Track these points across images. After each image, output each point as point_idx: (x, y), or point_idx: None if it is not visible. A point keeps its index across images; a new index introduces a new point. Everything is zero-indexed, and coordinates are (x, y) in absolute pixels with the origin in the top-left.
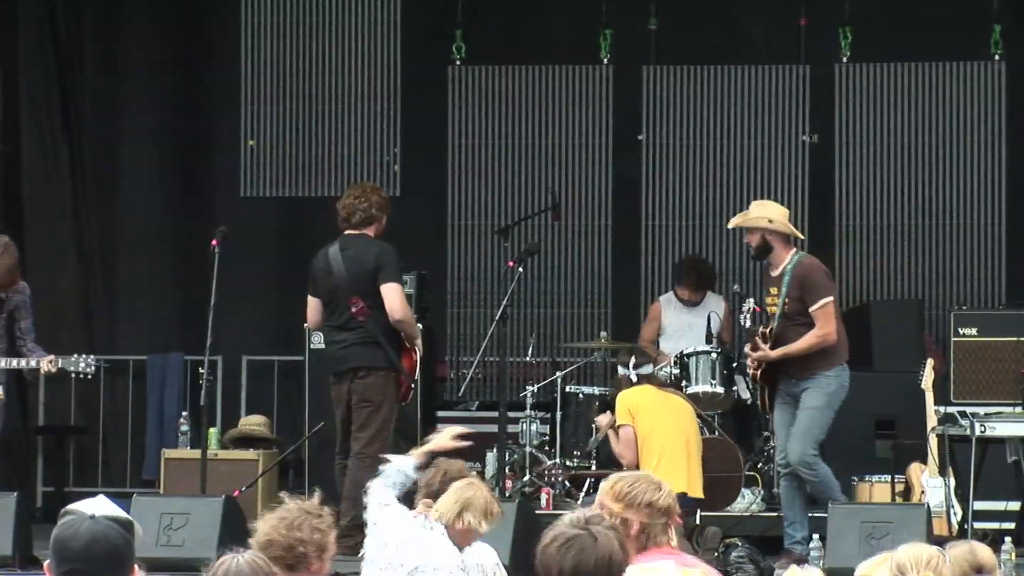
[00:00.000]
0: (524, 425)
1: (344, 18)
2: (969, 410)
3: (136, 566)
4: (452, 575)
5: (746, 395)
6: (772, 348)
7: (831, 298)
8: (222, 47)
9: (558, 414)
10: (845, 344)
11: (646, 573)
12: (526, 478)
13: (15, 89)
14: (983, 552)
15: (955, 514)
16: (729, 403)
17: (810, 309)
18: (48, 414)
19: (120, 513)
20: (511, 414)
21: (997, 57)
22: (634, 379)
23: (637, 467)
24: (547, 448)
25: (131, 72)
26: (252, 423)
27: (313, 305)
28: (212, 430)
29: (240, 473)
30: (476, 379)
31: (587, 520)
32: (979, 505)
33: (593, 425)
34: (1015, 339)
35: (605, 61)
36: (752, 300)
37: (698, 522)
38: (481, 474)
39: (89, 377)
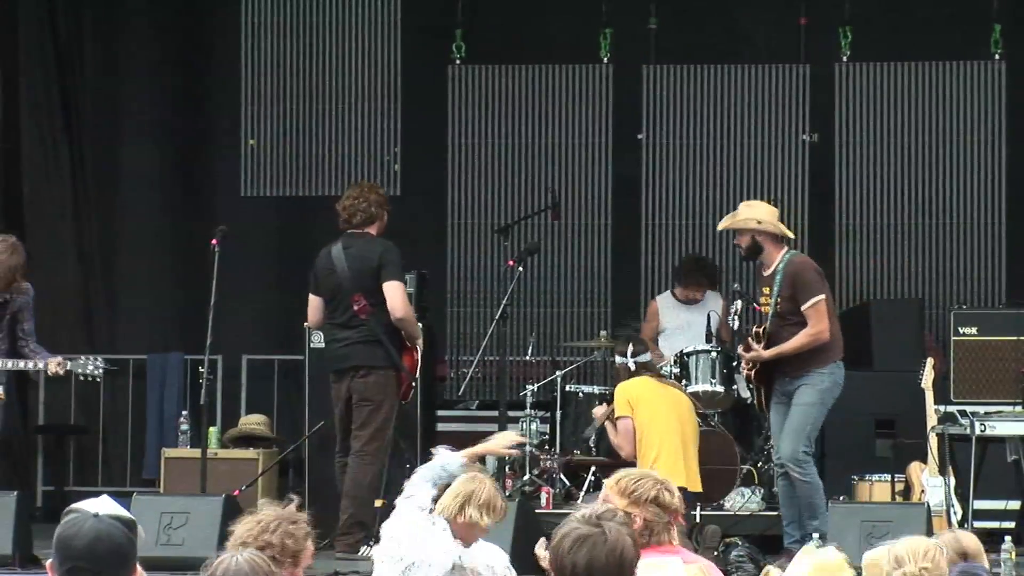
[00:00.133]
0: (524, 424)
1: (344, 18)
2: (969, 409)
3: (138, 566)
4: (446, 572)
5: (746, 394)
6: (766, 348)
7: (823, 296)
8: (222, 47)
9: (558, 413)
10: (839, 342)
11: (652, 568)
12: (526, 477)
13: (15, 89)
14: (967, 538)
15: (955, 513)
16: (729, 402)
17: (802, 307)
18: (48, 413)
19: (124, 513)
20: (511, 413)
21: (997, 57)
22: (632, 366)
23: (635, 459)
24: (547, 447)
25: (131, 72)
26: (252, 422)
27: (314, 304)
28: (212, 429)
29: (240, 472)
30: (476, 378)
31: (599, 516)
32: (979, 504)
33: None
34: (1015, 338)
35: (605, 60)
36: (740, 301)
37: (698, 519)
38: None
39: (98, 380)
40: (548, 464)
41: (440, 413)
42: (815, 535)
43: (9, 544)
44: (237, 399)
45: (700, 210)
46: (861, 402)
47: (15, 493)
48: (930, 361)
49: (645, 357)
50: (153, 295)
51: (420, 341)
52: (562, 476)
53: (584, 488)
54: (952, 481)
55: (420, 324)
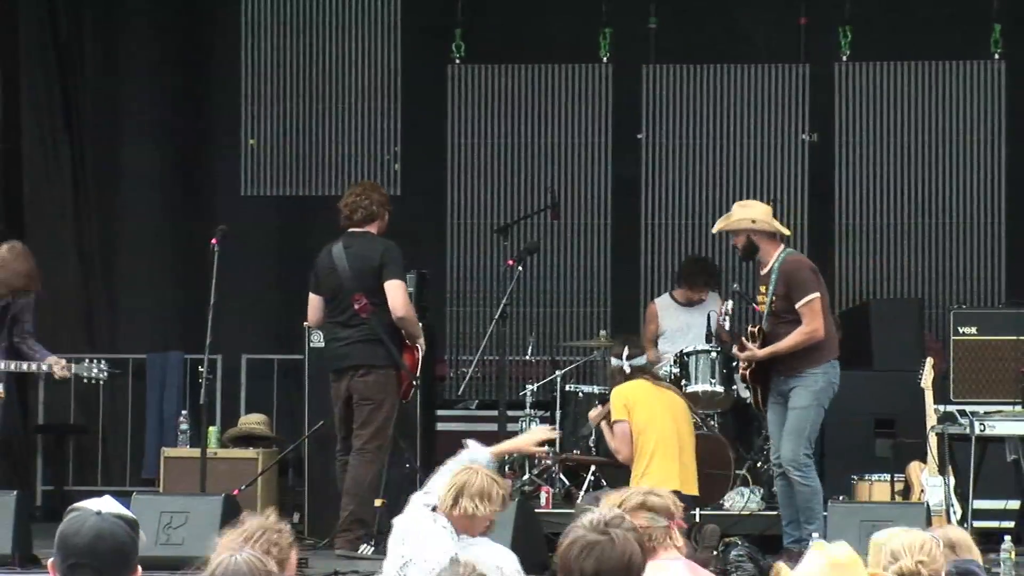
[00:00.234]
0: (524, 424)
1: (344, 17)
2: (969, 409)
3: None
4: (441, 569)
5: (746, 394)
6: (761, 347)
7: (817, 294)
8: (222, 47)
9: (557, 413)
10: (833, 340)
11: (657, 570)
12: (526, 477)
13: (15, 89)
14: (955, 532)
15: (955, 513)
16: (729, 402)
17: (796, 305)
18: (48, 413)
19: (126, 512)
20: (511, 413)
21: (997, 56)
22: (627, 370)
23: (632, 462)
24: (547, 447)
25: (131, 72)
26: (252, 422)
27: (314, 303)
28: (212, 429)
29: (240, 472)
30: (475, 378)
31: (607, 522)
32: (979, 504)
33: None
34: (1015, 338)
35: (605, 60)
36: (730, 302)
37: (697, 519)
38: None
39: (102, 383)
40: (548, 463)
41: (440, 413)
42: (815, 535)
43: (9, 544)
44: (237, 399)
45: (700, 210)
46: (861, 402)
47: (15, 493)
48: (930, 361)
49: (640, 360)
50: (153, 295)
51: (421, 340)
52: (562, 476)
53: (584, 487)
54: (952, 481)
55: (420, 324)
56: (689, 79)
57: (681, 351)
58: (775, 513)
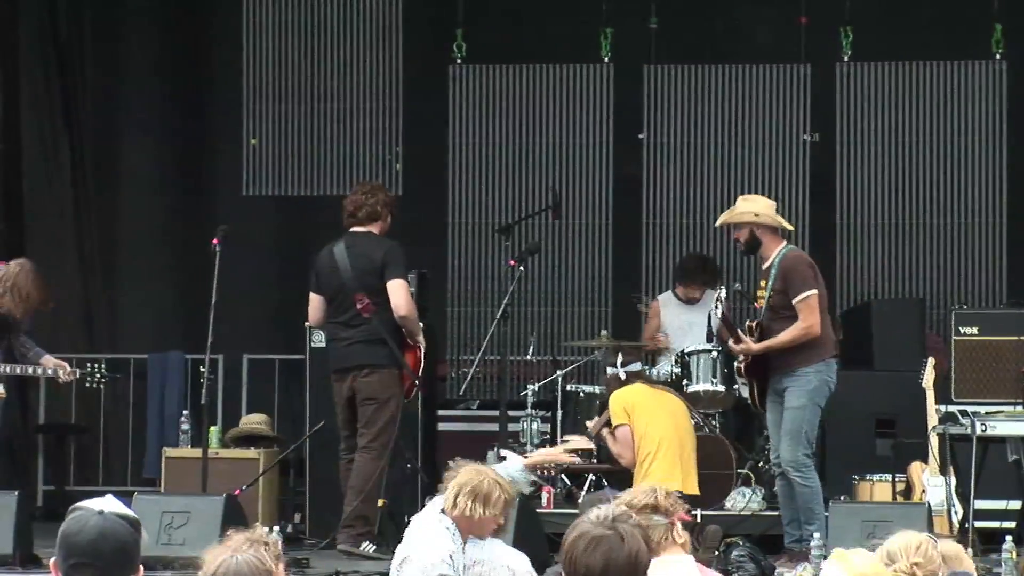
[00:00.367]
0: (525, 424)
1: (345, 17)
2: (970, 409)
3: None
4: (438, 568)
5: (747, 393)
6: (758, 341)
7: (814, 291)
8: (223, 46)
9: (559, 413)
10: (829, 339)
11: (664, 565)
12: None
13: (15, 89)
14: (946, 544)
15: (956, 513)
16: (730, 401)
17: (793, 301)
18: (49, 413)
19: (128, 511)
20: (512, 413)
21: (998, 56)
22: (623, 376)
23: (635, 466)
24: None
25: (131, 72)
26: (253, 422)
27: (315, 302)
28: (213, 429)
29: (241, 472)
30: (477, 378)
31: (614, 518)
32: (980, 504)
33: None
34: (1016, 338)
35: (606, 60)
36: (723, 289)
37: (699, 520)
38: None
39: (102, 387)
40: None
41: (441, 413)
42: (815, 534)
43: (10, 543)
44: (238, 398)
45: (701, 209)
46: (862, 402)
47: (16, 492)
48: (931, 360)
49: (635, 366)
50: (153, 295)
51: (422, 339)
52: (563, 476)
53: (585, 487)
54: (953, 481)
55: (421, 324)
56: (690, 79)
57: (682, 351)
58: (776, 513)
